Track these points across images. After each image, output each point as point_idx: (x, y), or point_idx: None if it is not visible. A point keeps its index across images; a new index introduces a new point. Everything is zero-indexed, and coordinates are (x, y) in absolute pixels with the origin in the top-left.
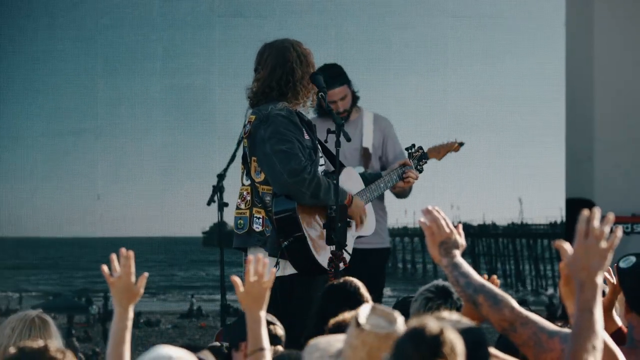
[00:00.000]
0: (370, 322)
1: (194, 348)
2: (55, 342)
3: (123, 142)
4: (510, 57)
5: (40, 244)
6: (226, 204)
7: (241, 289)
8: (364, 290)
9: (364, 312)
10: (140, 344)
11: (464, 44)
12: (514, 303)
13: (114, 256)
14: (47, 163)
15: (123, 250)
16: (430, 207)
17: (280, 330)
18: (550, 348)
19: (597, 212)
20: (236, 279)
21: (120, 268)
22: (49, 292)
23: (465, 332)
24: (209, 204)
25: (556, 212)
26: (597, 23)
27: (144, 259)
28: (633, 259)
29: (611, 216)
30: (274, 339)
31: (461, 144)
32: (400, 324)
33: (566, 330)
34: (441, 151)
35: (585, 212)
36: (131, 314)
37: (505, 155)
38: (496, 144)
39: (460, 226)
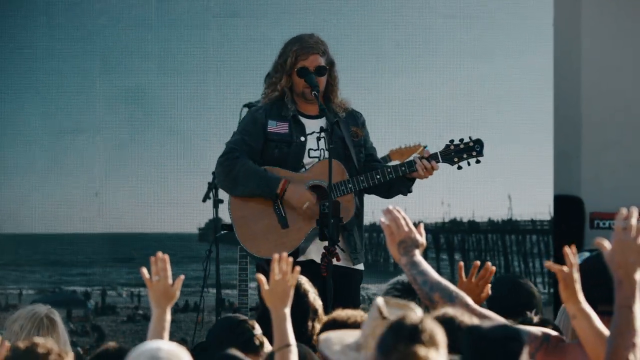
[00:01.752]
0: (393, 314)
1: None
2: (60, 341)
3: (120, 140)
4: (499, 57)
5: (38, 239)
6: (221, 201)
7: (266, 287)
8: (308, 285)
9: (382, 304)
10: (138, 338)
11: (454, 43)
12: (469, 300)
13: (153, 259)
14: (45, 160)
15: (159, 253)
16: (390, 207)
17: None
18: None
19: (634, 210)
20: (261, 277)
21: (158, 271)
22: (48, 287)
23: (498, 329)
24: (204, 200)
25: (544, 209)
26: (585, 23)
27: (141, 254)
28: (586, 254)
29: None
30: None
31: (425, 147)
32: (420, 312)
33: (519, 326)
34: (405, 153)
35: (623, 211)
36: (169, 316)
37: (495, 153)
38: (486, 142)
39: (422, 225)
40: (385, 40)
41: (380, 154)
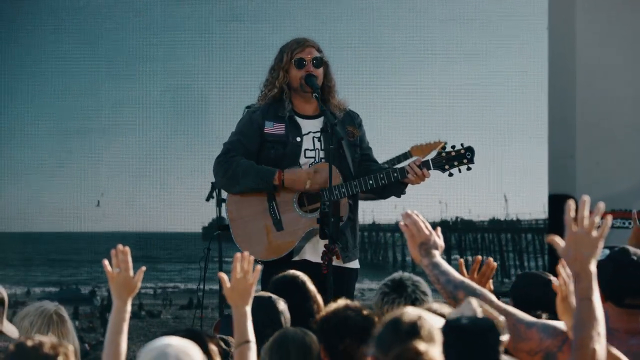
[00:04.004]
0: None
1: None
2: (69, 336)
3: (126, 141)
4: (496, 59)
5: (46, 238)
6: (224, 200)
7: (228, 285)
8: (310, 284)
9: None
10: (142, 335)
11: (451, 46)
12: (492, 297)
13: (114, 252)
14: (53, 161)
15: (120, 246)
16: (409, 211)
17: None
18: (529, 337)
19: (586, 201)
20: (223, 276)
21: (119, 263)
22: (55, 284)
23: (476, 321)
24: (207, 200)
25: (539, 208)
26: (579, 26)
27: (145, 253)
28: (607, 251)
29: (601, 205)
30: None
31: (445, 144)
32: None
33: (543, 321)
34: (425, 150)
35: (571, 204)
36: (129, 307)
37: (491, 154)
38: (482, 142)
39: (439, 228)
40: (384, 43)
41: (383, 153)
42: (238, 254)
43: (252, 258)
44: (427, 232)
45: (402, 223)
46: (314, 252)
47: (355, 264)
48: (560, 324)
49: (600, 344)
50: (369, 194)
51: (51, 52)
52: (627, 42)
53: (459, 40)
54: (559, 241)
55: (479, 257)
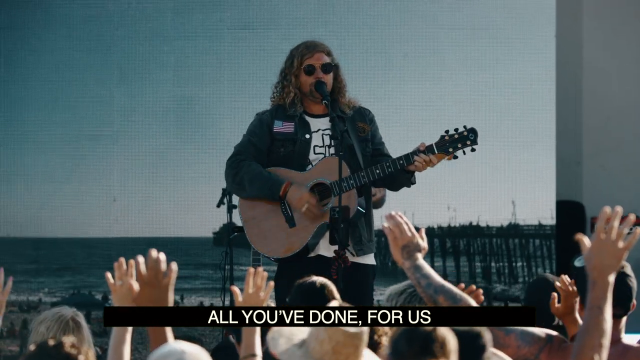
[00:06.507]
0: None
1: None
2: (84, 343)
3: (137, 147)
4: (504, 67)
5: (58, 243)
6: (235, 206)
7: (240, 299)
8: (332, 287)
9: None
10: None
11: (459, 54)
12: (472, 302)
13: (117, 264)
14: (65, 167)
15: (122, 259)
16: (393, 213)
17: None
18: (507, 344)
19: (619, 212)
20: (236, 290)
21: (121, 276)
22: (67, 290)
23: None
24: (218, 206)
25: (547, 214)
26: (586, 36)
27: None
28: None
29: (632, 217)
30: None
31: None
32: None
33: (522, 328)
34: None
35: (607, 210)
36: None
37: (499, 160)
38: (491, 149)
39: (423, 230)
40: (393, 51)
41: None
42: (251, 269)
43: (265, 274)
44: (409, 234)
45: (385, 225)
46: (328, 247)
47: (370, 259)
48: (539, 331)
49: (600, 355)
50: (379, 187)
51: (63, 60)
52: (634, 49)
53: (467, 48)
54: (586, 242)
55: (473, 286)
